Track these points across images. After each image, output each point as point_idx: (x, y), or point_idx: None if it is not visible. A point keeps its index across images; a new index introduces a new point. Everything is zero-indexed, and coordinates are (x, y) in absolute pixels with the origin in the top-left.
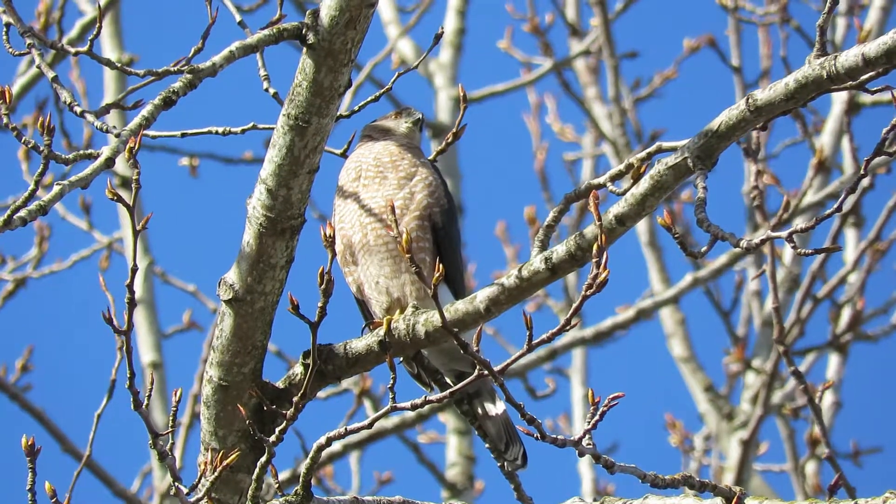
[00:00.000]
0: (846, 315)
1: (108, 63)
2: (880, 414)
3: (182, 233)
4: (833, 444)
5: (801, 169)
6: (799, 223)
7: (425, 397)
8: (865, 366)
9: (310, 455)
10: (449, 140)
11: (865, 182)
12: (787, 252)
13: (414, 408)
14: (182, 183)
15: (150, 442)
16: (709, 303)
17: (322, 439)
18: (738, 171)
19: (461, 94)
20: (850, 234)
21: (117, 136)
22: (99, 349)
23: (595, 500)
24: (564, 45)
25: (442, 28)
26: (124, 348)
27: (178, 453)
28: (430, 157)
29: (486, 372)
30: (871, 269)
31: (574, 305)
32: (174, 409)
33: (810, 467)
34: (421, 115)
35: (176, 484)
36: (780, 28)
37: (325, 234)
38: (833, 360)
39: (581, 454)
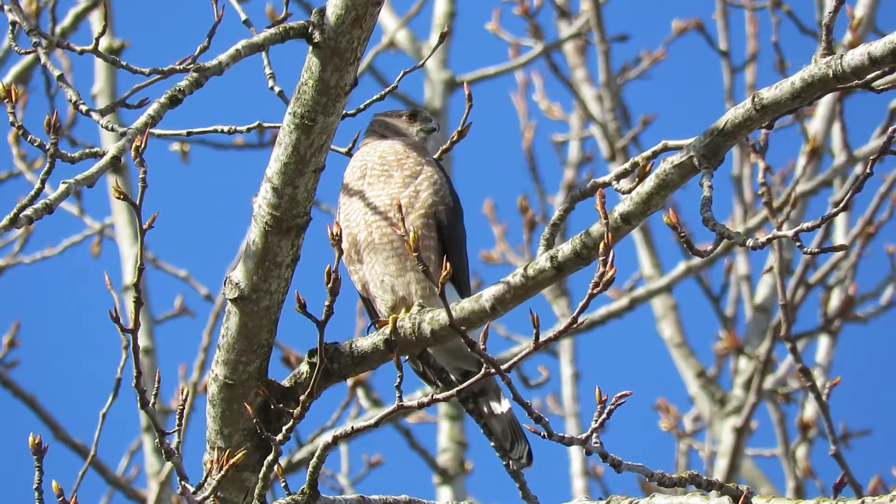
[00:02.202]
0: (837, 297)
1: (115, 62)
2: (870, 396)
3: (173, 218)
4: (824, 428)
5: (790, 151)
6: (805, 224)
7: (432, 395)
8: (855, 347)
9: (316, 454)
10: (454, 139)
11: (859, 169)
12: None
13: (421, 406)
14: (173, 167)
15: (157, 441)
16: (698, 287)
17: (329, 438)
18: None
19: (466, 94)
20: (839, 217)
21: (123, 134)
22: (89, 335)
23: (601, 499)
24: (552, 26)
25: (448, 28)
26: (131, 347)
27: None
28: (436, 156)
29: (492, 370)
30: (862, 254)
31: (580, 304)
32: (181, 407)
33: (801, 451)
34: (436, 126)
35: (183, 483)
36: (772, 13)
37: (331, 232)
38: (823, 341)
39: (588, 452)
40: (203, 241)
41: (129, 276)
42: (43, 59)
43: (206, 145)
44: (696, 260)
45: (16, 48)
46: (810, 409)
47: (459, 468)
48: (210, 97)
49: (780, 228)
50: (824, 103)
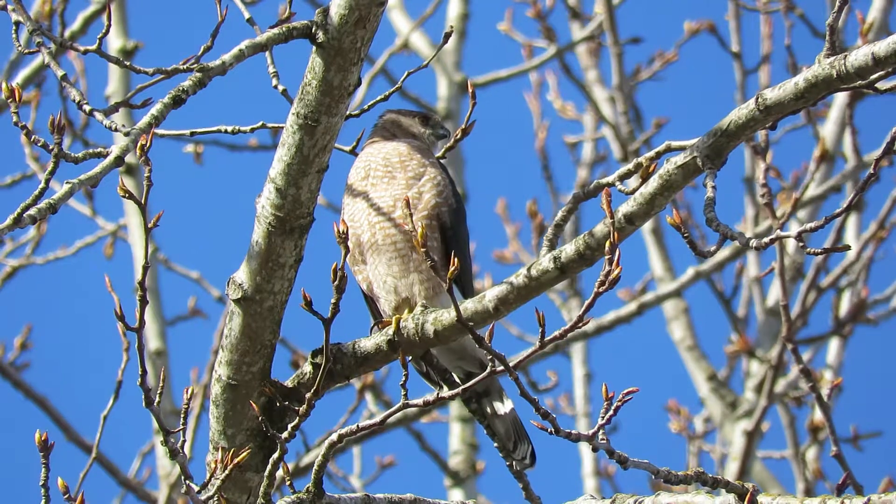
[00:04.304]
0: (848, 298)
1: (118, 62)
2: (881, 397)
3: (186, 219)
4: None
5: (804, 153)
6: (808, 224)
7: (437, 394)
8: (866, 349)
9: (322, 453)
10: (458, 136)
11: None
12: (792, 241)
13: (426, 405)
14: (185, 168)
15: (162, 440)
16: (710, 290)
17: (334, 437)
18: (738, 156)
19: (470, 92)
20: (850, 219)
21: (127, 134)
22: (102, 336)
23: (605, 498)
24: (565, 27)
25: (451, 27)
26: (136, 346)
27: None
28: (438, 155)
29: (499, 369)
30: (874, 257)
31: (587, 302)
32: (185, 406)
33: (811, 453)
34: (447, 134)
35: (187, 482)
36: (785, 17)
37: (338, 230)
38: (834, 343)
39: (595, 449)
40: (216, 243)
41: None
42: (47, 59)
43: (220, 146)
44: (706, 265)
45: (20, 48)
46: (820, 412)
47: (471, 470)
48: (216, 97)
49: (781, 228)
50: (837, 106)
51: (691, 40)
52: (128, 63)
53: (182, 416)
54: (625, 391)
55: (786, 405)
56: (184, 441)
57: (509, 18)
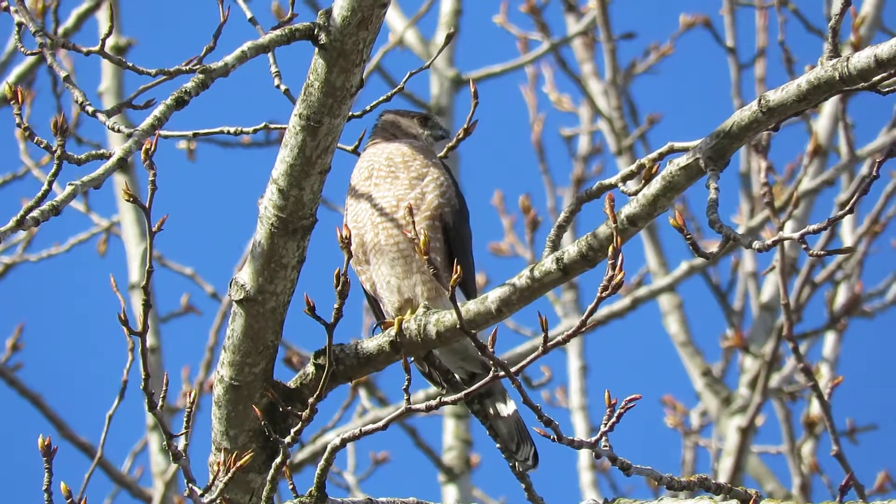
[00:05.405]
0: (843, 292)
1: (121, 62)
2: (877, 391)
3: (179, 215)
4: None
5: (797, 147)
6: (811, 226)
7: (440, 398)
8: (862, 342)
9: (324, 456)
10: (460, 136)
11: (865, 169)
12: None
13: (429, 409)
14: (179, 164)
15: (165, 443)
16: (705, 284)
17: (336, 440)
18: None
19: (472, 91)
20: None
21: (129, 135)
22: (97, 334)
23: (607, 501)
24: (560, 20)
25: (454, 29)
26: (139, 350)
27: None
28: (441, 154)
29: (501, 374)
30: (868, 252)
31: (589, 307)
32: (188, 409)
33: (807, 448)
34: (445, 134)
35: (190, 485)
36: (778, 11)
37: (341, 235)
38: (829, 336)
39: (598, 456)
40: (209, 239)
41: (135, 274)
42: (49, 60)
43: (213, 143)
44: (700, 260)
45: (22, 49)
46: (817, 406)
47: (465, 466)
48: (216, 95)
49: (782, 229)
50: (830, 101)
51: (687, 34)
52: (130, 64)
53: (185, 418)
54: (627, 398)
55: (781, 400)
56: (186, 445)
57: (504, 10)
